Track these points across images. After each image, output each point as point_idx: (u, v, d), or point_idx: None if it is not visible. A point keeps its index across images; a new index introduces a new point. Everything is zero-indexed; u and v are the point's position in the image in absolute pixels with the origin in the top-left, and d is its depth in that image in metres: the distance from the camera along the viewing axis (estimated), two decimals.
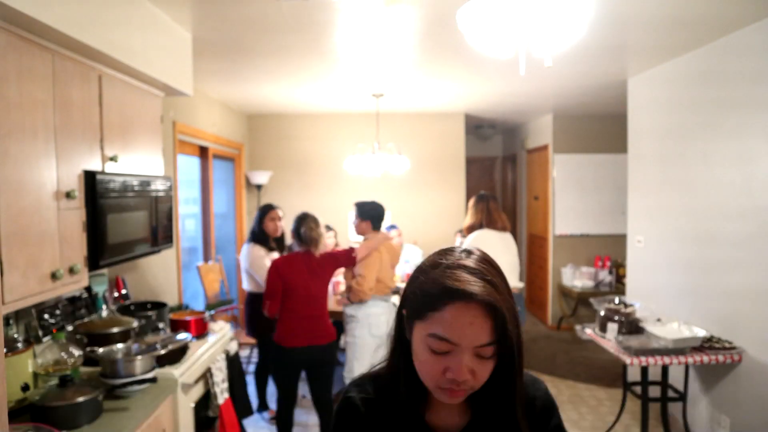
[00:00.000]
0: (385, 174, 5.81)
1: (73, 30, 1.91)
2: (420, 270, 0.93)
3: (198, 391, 2.54)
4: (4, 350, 1.62)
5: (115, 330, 2.45)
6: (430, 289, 0.87)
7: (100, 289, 2.80)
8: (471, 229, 3.97)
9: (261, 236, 3.96)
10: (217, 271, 4.90)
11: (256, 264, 3.84)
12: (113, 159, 2.34)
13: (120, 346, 2.30)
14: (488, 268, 0.89)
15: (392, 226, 5.89)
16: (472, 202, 4.07)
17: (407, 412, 0.94)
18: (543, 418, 0.98)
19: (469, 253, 0.92)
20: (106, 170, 2.31)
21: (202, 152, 4.92)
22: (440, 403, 0.93)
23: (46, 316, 2.30)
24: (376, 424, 0.95)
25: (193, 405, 2.48)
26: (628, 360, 3.03)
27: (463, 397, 0.89)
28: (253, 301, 3.88)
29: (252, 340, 4.32)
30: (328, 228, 5.13)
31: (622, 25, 3.02)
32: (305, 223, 3.23)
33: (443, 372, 0.86)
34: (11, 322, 2.10)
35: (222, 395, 2.64)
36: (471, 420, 0.96)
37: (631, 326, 3.24)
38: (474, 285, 0.85)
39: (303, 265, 3.19)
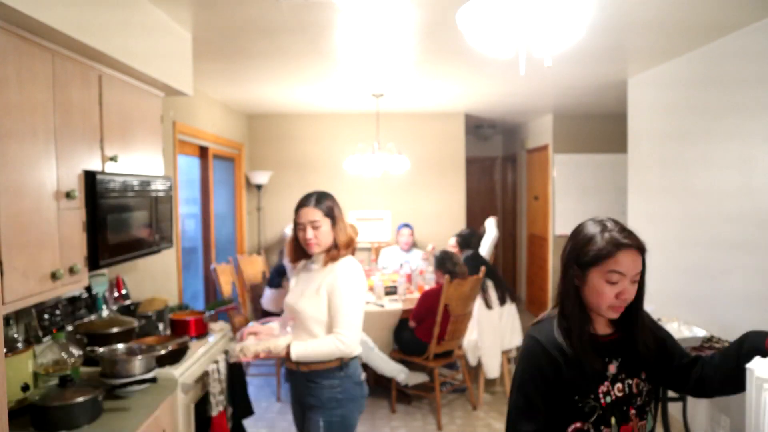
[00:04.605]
0: (385, 174, 5.81)
1: (73, 30, 1.91)
2: (587, 237, 1.43)
3: (198, 391, 2.54)
4: (4, 350, 1.62)
5: (115, 330, 2.45)
6: (605, 245, 1.38)
7: (100, 289, 2.80)
8: None
9: None
10: (229, 273, 4.91)
11: None
12: (113, 159, 2.34)
13: (120, 346, 2.30)
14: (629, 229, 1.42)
15: (405, 225, 5.87)
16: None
17: (583, 331, 1.41)
18: (654, 333, 1.52)
19: (614, 222, 1.44)
20: (106, 170, 2.31)
21: (202, 152, 4.92)
22: (596, 321, 1.46)
23: (46, 316, 2.30)
24: (557, 352, 1.40)
25: (193, 405, 2.48)
26: None
27: (621, 311, 1.41)
28: None
29: None
30: None
31: (621, 26, 3.02)
32: None
33: (616, 296, 1.38)
34: (11, 322, 2.10)
35: (216, 407, 2.62)
36: (617, 330, 1.48)
37: None
38: (630, 238, 1.39)
39: None
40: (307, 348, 2.21)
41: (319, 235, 2.30)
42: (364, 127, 6.20)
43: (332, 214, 2.33)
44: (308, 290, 2.30)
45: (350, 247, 2.37)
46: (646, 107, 4.21)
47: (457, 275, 3.95)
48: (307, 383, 2.28)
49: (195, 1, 2.65)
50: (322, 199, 2.34)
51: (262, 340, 2.28)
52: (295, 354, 2.19)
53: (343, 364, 2.25)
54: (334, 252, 2.32)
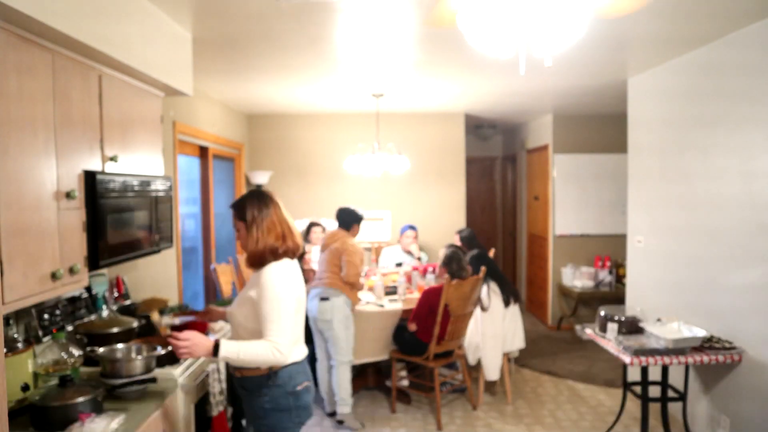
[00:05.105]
0: (385, 174, 5.81)
1: (73, 30, 1.91)
2: None
3: (198, 391, 2.54)
4: (4, 350, 1.63)
5: (115, 330, 2.45)
6: None
7: (100, 289, 2.80)
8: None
9: None
10: (229, 273, 4.91)
11: None
12: (113, 159, 2.34)
13: (120, 346, 2.30)
14: None
15: (410, 227, 5.82)
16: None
17: None
18: None
19: None
20: (106, 170, 2.31)
21: (202, 152, 4.92)
22: None
23: (46, 316, 2.30)
24: None
25: (193, 405, 2.48)
26: (628, 360, 3.03)
27: None
28: None
29: None
30: (315, 224, 5.24)
31: (622, 26, 3.02)
32: None
33: None
34: (11, 322, 2.10)
35: (216, 407, 2.62)
36: None
37: (631, 326, 3.24)
38: None
39: None
40: (239, 349, 2.03)
41: (241, 239, 2.22)
42: (364, 127, 6.20)
43: (245, 217, 2.20)
44: (241, 296, 2.21)
45: (276, 253, 2.17)
46: (646, 107, 4.21)
47: (459, 278, 3.93)
48: (241, 390, 2.21)
49: (195, 2, 2.65)
50: (241, 202, 2.24)
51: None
52: (224, 352, 2.00)
53: (271, 372, 2.12)
54: (252, 258, 2.20)
